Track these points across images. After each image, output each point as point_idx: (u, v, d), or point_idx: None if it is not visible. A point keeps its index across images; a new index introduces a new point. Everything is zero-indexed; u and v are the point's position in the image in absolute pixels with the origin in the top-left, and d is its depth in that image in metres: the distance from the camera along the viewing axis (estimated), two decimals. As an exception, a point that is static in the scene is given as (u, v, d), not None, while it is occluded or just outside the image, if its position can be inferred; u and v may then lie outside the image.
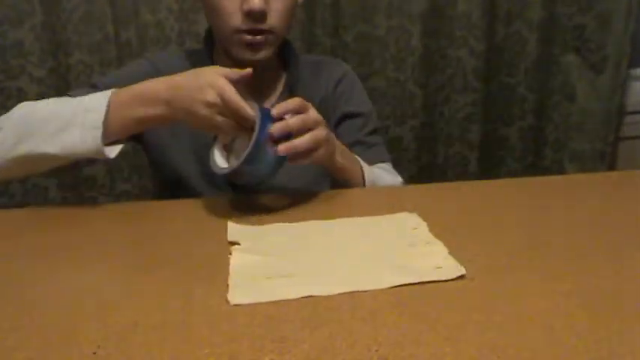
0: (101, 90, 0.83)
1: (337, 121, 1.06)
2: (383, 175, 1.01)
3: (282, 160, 0.74)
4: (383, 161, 1.07)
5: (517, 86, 1.75)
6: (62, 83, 1.50)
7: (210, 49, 1.00)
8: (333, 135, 0.84)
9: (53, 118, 0.78)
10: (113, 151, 0.79)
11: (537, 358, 0.40)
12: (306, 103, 0.77)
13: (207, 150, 0.80)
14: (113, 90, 0.79)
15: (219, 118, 0.74)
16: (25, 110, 0.81)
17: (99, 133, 0.76)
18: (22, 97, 1.47)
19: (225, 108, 0.73)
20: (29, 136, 0.78)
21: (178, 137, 0.97)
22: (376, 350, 0.41)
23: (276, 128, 0.72)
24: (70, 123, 0.77)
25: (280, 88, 1.02)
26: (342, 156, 0.89)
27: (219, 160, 0.79)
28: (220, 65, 0.93)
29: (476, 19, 1.65)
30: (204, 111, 0.74)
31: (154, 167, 1.05)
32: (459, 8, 1.64)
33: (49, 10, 1.44)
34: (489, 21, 1.66)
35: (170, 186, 1.01)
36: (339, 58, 1.52)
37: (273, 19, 0.90)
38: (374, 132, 1.08)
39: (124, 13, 1.48)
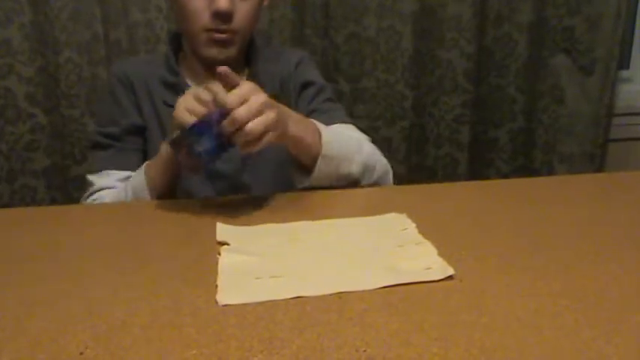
0: (105, 146, 1.01)
1: (298, 93, 1.09)
2: (343, 131, 0.99)
3: (226, 145, 0.74)
4: (344, 122, 1.04)
5: (507, 88, 1.76)
6: (51, 82, 1.48)
7: (176, 51, 1.06)
8: (284, 110, 0.82)
9: None
10: None
11: (525, 359, 0.40)
12: (254, 89, 0.75)
13: None
14: (144, 166, 0.92)
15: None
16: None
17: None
18: (10, 96, 1.46)
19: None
20: None
21: None
22: (364, 351, 0.41)
23: (226, 125, 0.72)
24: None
25: None
26: (296, 125, 0.85)
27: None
28: (185, 67, 1.05)
29: (466, 21, 1.65)
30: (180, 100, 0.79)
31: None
32: (450, 10, 1.65)
33: (37, 8, 1.43)
34: (479, 23, 1.67)
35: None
36: (329, 59, 1.53)
37: (239, 21, 0.97)
38: (329, 100, 1.09)
39: (114, 12, 1.48)
